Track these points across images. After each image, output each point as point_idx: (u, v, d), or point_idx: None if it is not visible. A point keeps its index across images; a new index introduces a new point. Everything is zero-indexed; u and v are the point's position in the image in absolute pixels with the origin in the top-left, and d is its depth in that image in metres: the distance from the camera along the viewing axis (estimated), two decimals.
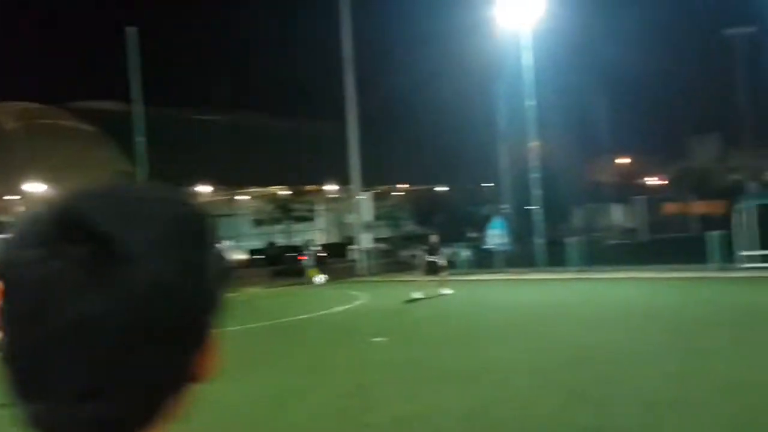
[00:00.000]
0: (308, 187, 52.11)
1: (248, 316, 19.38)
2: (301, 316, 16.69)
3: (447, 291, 20.96)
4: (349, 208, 41.81)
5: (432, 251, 22.23)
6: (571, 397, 8.07)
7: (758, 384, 8.13)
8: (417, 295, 20.37)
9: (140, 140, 26.05)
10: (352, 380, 9.92)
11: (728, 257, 23.26)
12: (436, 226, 57.20)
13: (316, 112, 62.61)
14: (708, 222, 51.35)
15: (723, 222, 32.11)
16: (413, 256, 39.84)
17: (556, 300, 18.49)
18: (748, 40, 63.54)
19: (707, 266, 22.95)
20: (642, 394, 8.00)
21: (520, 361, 10.49)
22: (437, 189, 65.66)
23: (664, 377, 8.83)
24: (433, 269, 21.75)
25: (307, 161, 52.12)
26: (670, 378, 8.77)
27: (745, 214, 24.35)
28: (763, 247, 23.18)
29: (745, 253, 23.35)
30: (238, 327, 16.85)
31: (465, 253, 31.99)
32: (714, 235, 23.26)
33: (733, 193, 37.77)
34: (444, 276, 21.60)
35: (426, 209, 57.36)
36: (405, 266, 38.02)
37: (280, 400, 8.99)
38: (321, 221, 61.58)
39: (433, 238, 22.80)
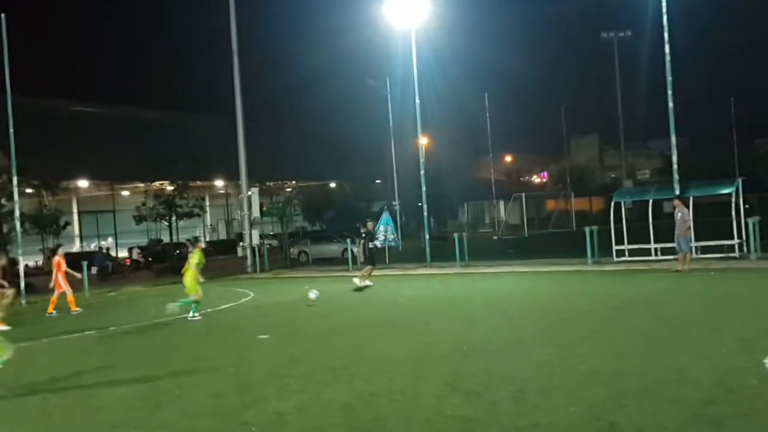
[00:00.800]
0: (195, 183, 50.79)
1: (128, 315, 18.77)
2: (184, 315, 16.27)
3: (368, 283, 21.46)
4: (238, 205, 41.09)
5: (370, 238, 22.83)
6: (448, 389, 8.26)
7: (622, 372, 8.58)
8: (366, 283, 21.21)
9: (12, 132, 24.65)
10: (232, 379, 9.78)
11: (604, 251, 24.42)
12: (327, 223, 57.31)
13: (203, 106, 61.27)
14: (586, 218, 53.87)
15: (600, 218, 33.68)
16: (303, 252, 39.78)
17: (440, 294, 18.87)
18: (624, 44, 66.87)
19: (584, 260, 24.01)
20: (514, 383, 8.29)
21: (401, 354, 10.64)
22: (329, 185, 65.61)
23: (536, 366, 9.19)
24: (371, 257, 22.28)
25: (193, 156, 50.87)
26: (541, 367, 9.14)
27: (620, 210, 25.65)
28: (636, 242, 24.49)
29: (618, 247, 24.59)
30: (115, 327, 16.29)
31: (356, 250, 32.11)
32: (591, 230, 24.34)
33: (609, 191, 39.54)
34: (367, 269, 22.00)
35: (317, 205, 57.18)
36: (295, 263, 37.88)
37: (155, 401, 8.74)
38: (209, 218, 60.29)
39: (370, 225, 23.48)
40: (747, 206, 25.17)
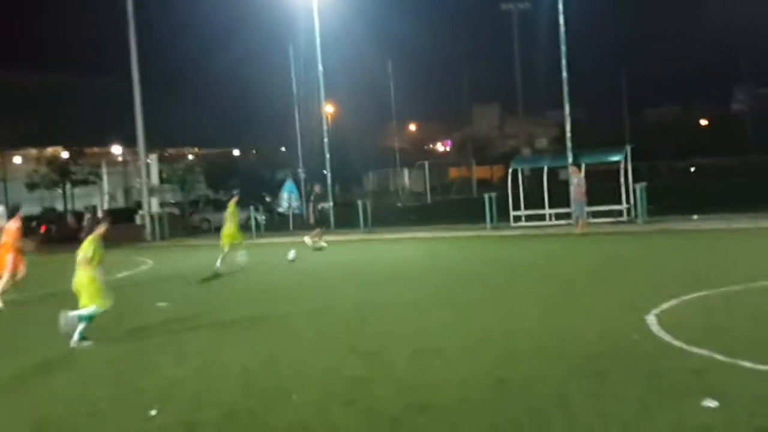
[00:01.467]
0: (91, 149, 48.85)
1: (20, 285, 17.96)
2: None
3: (322, 244, 21.91)
4: (136, 172, 39.79)
5: (318, 201, 23.21)
6: (347, 351, 8.34)
7: (514, 331, 8.89)
8: (321, 244, 21.70)
9: None
10: (128, 345, 9.57)
11: (502, 217, 25.10)
12: (230, 190, 56.35)
13: (99, 70, 58.69)
14: (487, 185, 55.14)
15: (501, 185, 34.49)
16: (205, 220, 39.01)
17: (343, 260, 18.96)
18: (523, 15, 68.10)
19: (484, 226, 24.61)
20: (411, 344, 8.46)
21: (302, 318, 10.67)
22: (232, 152, 64.43)
23: (433, 328, 9.41)
24: (321, 219, 22.62)
25: (89, 121, 48.86)
26: (438, 328, 9.36)
27: (518, 178, 26.37)
28: (532, 208, 25.28)
29: (516, 213, 25.33)
30: (7, 297, 15.58)
31: (260, 217, 31.78)
32: (490, 197, 24.94)
33: (510, 159, 40.61)
34: (316, 231, 22.24)
35: (220, 173, 56.11)
36: (195, 231, 37.11)
37: (48, 368, 8.50)
38: (106, 185, 58.18)
39: (317, 188, 23.96)
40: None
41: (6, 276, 14.34)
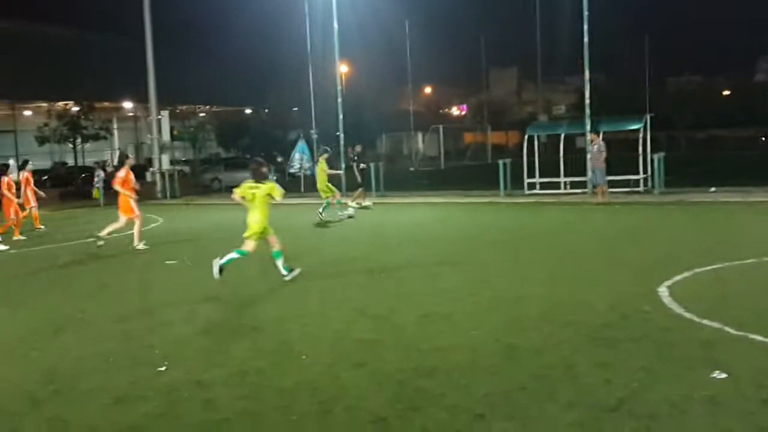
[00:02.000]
0: (102, 104, 48.58)
1: (31, 239, 18.10)
2: (89, 240, 15.79)
3: (368, 203, 22.63)
4: (147, 128, 39.70)
5: (360, 160, 23.04)
6: (356, 314, 8.35)
7: (524, 297, 8.86)
8: (366, 203, 22.41)
9: None
10: (138, 303, 9.62)
11: (517, 184, 24.94)
12: (241, 150, 56.25)
13: (111, 24, 58.15)
14: (501, 151, 54.81)
15: (516, 152, 34.22)
16: (216, 179, 39.01)
17: (354, 223, 18.94)
18: None
19: (497, 192, 24.47)
20: (420, 309, 8.44)
21: (315, 281, 10.67)
22: (244, 111, 64.14)
23: (443, 293, 9.38)
24: (362, 178, 22.71)
25: (101, 76, 48.53)
26: (448, 293, 9.34)
27: (533, 144, 26.12)
28: (547, 176, 25.10)
29: (530, 180, 25.16)
30: (16, 250, 15.71)
31: (272, 177, 31.69)
32: (505, 163, 24.75)
33: (526, 125, 40.27)
34: (359, 192, 22.51)
35: (232, 132, 55.93)
36: (206, 189, 37.18)
37: (57, 324, 8.53)
38: (116, 141, 58.18)
39: (358, 148, 23.69)
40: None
41: (138, 222, 15.22)
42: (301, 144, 30.91)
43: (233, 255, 10.23)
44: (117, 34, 55.17)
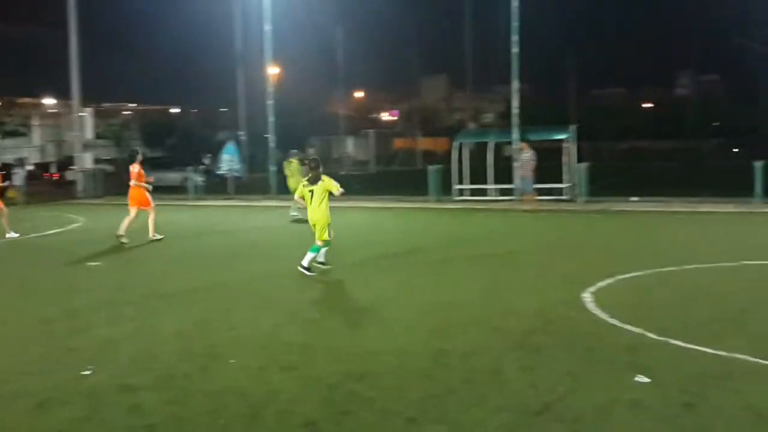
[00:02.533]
0: (21, 100, 46.91)
1: None
2: (3, 239, 15.21)
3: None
4: (69, 125, 38.43)
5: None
6: (287, 318, 8.28)
7: (453, 303, 8.95)
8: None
9: None
10: (59, 305, 9.29)
11: (446, 191, 25.22)
12: (167, 149, 55.09)
13: (32, 17, 56.23)
14: (432, 157, 55.30)
15: (446, 158, 34.53)
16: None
17: (284, 226, 18.81)
18: None
19: (427, 198, 24.69)
20: (350, 314, 8.46)
21: (241, 283, 10.54)
22: (171, 110, 62.91)
23: (372, 298, 9.41)
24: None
25: (20, 71, 46.85)
26: (379, 298, 9.36)
27: (462, 151, 26.44)
28: (475, 183, 25.47)
29: (459, 186, 25.48)
30: None
31: (197, 179, 31.19)
32: (434, 169, 24.99)
33: (455, 132, 40.73)
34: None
35: (158, 131, 54.74)
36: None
37: None
38: (36, 138, 56.08)
39: (311, 151, 24.33)
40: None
41: (152, 213, 15.68)
42: (231, 146, 30.47)
43: (310, 255, 10.92)
44: (39, 27, 53.33)
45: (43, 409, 5.53)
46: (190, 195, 29.23)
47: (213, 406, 5.50)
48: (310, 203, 10.99)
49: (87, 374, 6.33)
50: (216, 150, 37.00)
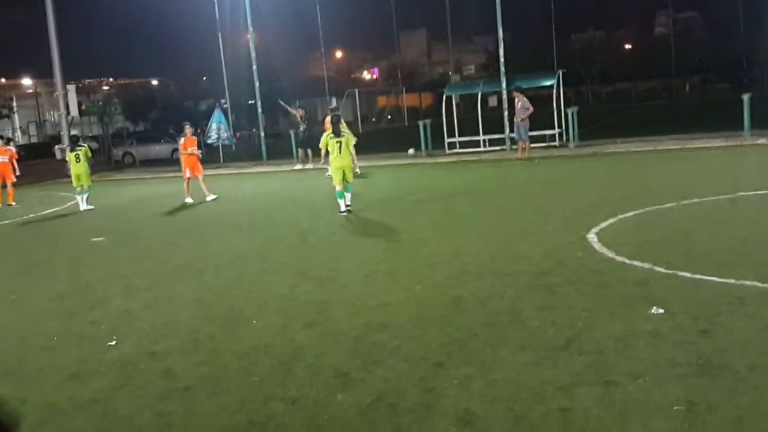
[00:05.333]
0: (0, 81, 46.29)
1: None
2: (4, 222, 15.19)
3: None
4: (50, 104, 38.00)
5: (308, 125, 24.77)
6: (299, 278, 8.39)
7: (460, 252, 9.08)
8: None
9: None
10: (71, 281, 9.36)
11: (437, 145, 25.19)
12: (151, 122, 54.60)
13: None
14: (417, 113, 55.07)
15: (431, 113, 34.47)
16: (128, 153, 37.78)
17: (280, 191, 18.87)
18: None
19: (419, 153, 24.66)
20: (362, 269, 8.56)
21: (248, 248, 10.63)
22: (151, 83, 62.18)
23: (381, 253, 9.54)
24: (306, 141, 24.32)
25: None
26: (386, 253, 9.51)
27: (451, 104, 26.36)
28: (465, 135, 25.44)
29: (450, 140, 25.45)
30: None
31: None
32: (425, 124, 24.92)
33: (438, 86, 40.46)
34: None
35: (139, 105, 54.20)
36: (118, 165, 36.00)
37: None
38: (18, 119, 55.44)
39: (301, 112, 25.46)
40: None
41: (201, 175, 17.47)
42: (218, 114, 30.25)
43: (347, 195, 12.83)
44: (12, 6, 52.40)
45: (77, 381, 5.64)
46: (181, 167, 29.02)
47: (243, 365, 5.64)
48: (339, 152, 12.55)
49: (113, 344, 6.45)
50: (200, 120, 36.68)
